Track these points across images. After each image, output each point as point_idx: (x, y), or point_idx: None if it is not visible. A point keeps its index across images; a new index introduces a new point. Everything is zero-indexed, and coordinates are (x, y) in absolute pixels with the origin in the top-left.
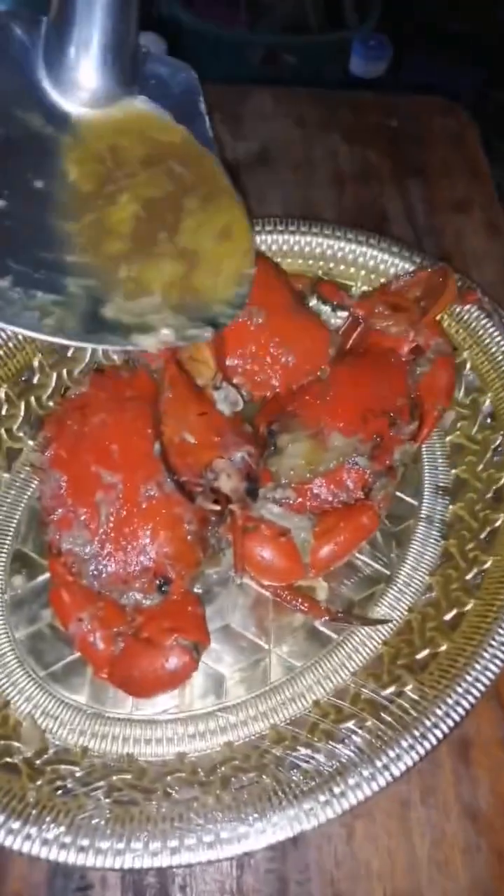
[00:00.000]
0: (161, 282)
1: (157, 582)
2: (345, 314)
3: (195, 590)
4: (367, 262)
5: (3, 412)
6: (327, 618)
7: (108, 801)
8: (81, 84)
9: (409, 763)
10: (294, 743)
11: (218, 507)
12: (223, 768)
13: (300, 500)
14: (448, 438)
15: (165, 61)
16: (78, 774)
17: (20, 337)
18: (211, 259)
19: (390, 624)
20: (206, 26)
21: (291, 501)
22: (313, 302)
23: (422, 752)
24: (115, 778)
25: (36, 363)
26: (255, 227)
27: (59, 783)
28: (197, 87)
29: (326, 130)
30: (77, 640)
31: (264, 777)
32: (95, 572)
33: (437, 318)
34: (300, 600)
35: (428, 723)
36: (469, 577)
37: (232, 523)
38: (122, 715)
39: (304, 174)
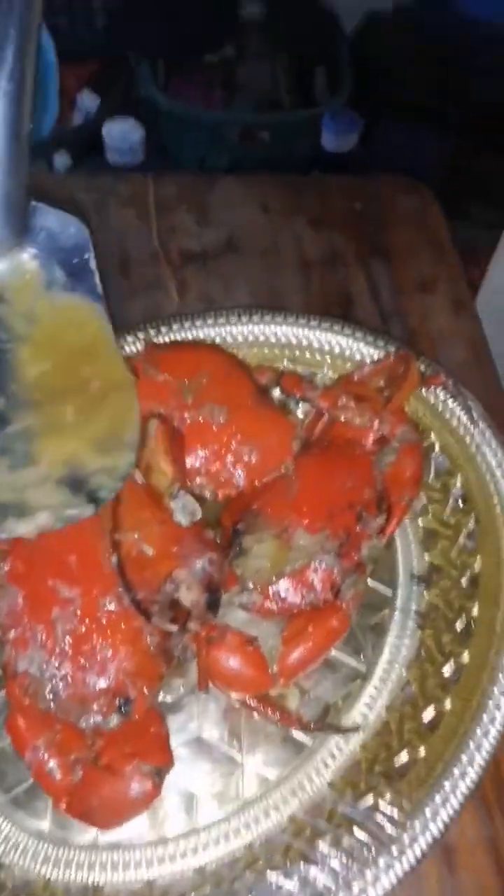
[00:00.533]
0: (51, 454)
1: (117, 702)
2: (308, 406)
3: (164, 698)
4: (333, 348)
5: None
6: (296, 726)
7: None
8: None
9: (387, 885)
10: (267, 866)
11: (175, 628)
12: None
13: (267, 603)
14: (420, 522)
15: (56, 214)
16: None
17: None
18: (98, 431)
19: (368, 726)
20: (183, 108)
21: (258, 605)
22: (277, 394)
23: (400, 872)
24: None
25: None
26: (220, 318)
27: None
28: (86, 242)
29: (292, 216)
30: (33, 770)
31: None
32: (52, 694)
33: (402, 405)
34: (270, 710)
35: (406, 839)
36: (446, 672)
37: (195, 636)
38: (87, 841)
39: (271, 261)
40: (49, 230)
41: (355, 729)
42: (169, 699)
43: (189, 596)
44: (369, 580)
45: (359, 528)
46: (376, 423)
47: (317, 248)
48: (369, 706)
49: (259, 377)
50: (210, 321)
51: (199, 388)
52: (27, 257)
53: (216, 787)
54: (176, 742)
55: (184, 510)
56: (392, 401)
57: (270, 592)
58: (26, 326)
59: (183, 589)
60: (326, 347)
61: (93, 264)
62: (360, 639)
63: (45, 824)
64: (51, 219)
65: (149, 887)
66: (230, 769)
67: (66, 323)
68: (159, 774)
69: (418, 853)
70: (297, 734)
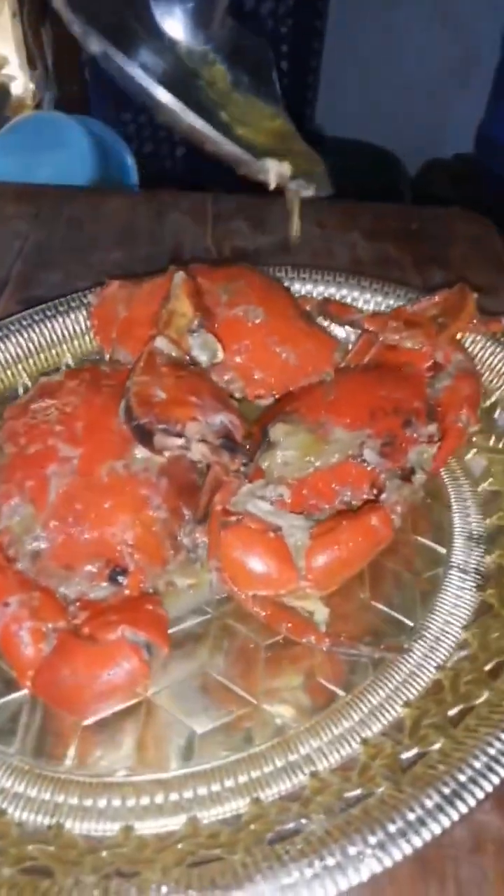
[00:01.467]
0: None
1: (109, 571)
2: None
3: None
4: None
5: None
6: (325, 643)
7: (10, 870)
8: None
9: (437, 829)
10: (280, 817)
11: (181, 442)
12: (180, 845)
13: (295, 498)
14: (480, 487)
15: (242, 31)
16: None
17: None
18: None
19: (416, 683)
20: None
21: (285, 499)
22: (322, 321)
23: (454, 814)
24: (30, 847)
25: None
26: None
27: None
28: (269, 54)
29: (347, 231)
30: None
31: (232, 856)
32: (34, 552)
33: (458, 334)
34: (289, 618)
35: (463, 777)
36: None
37: (207, 494)
38: (58, 773)
39: (323, 263)
40: (236, 41)
41: (400, 649)
42: (173, 615)
43: (202, 450)
44: (424, 539)
45: (407, 433)
46: (429, 348)
47: (371, 254)
48: (419, 665)
49: (303, 304)
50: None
51: (236, 290)
52: (215, 57)
53: (222, 730)
54: (178, 674)
55: (203, 347)
56: (447, 328)
57: (300, 487)
58: (224, 102)
59: (195, 443)
60: (371, 308)
61: (274, 76)
62: (407, 595)
63: (11, 748)
64: (238, 33)
65: (125, 834)
66: (241, 711)
67: (255, 112)
68: (149, 650)
69: (479, 792)
70: (328, 684)
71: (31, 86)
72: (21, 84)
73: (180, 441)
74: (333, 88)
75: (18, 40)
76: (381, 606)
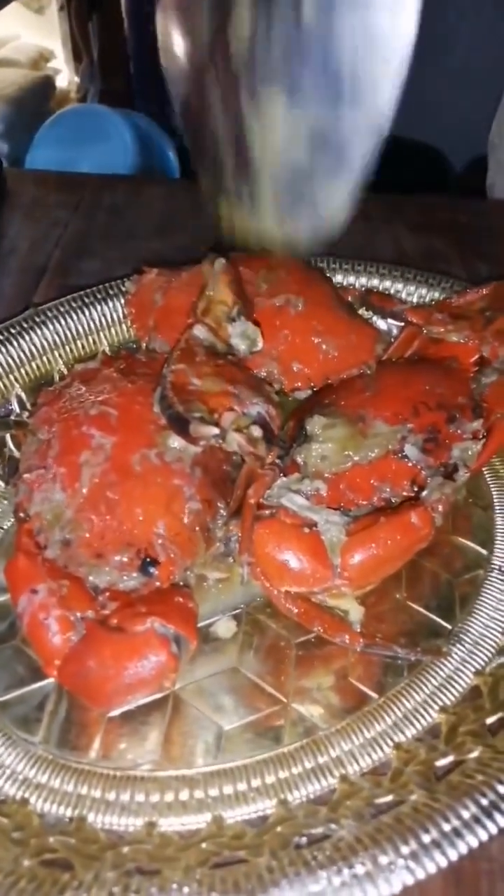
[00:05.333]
0: None
1: (140, 560)
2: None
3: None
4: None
5: None
6: (360, 643)
7: (30, 861)
8: None
9: (473, 842)
10: (308, 821)
11: (216, 432)
12: (204, 845)
13: (332, 493)
14: None
15: None
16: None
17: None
18: None
19: (453, 688)
20: None
21: (321, 494)
22: (364, 312)
23: (492, 827)
24: (51, 839)
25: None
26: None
27: None
28: None
29: (391, 222)
30: (26, 620)
31: (257, 858)
32: (64, 540)
33: None
34: (322, 617)
35: (503, 788)
36: None
37: (242, 487)
38: (82, 765)
39: (367, 254)
40: None
41: (439, 652)
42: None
43: (238, 440)
44: (464, 539)
45: (450, 429)
46: (476, 342)
47: (416, 247)
48: (457, 670)
49: (344, 295)
50: None
51: (276, 279)
52: None
53: (250, 728)
54: (207, 670)
55: (243, 336)
56: (495, 322)
57: (337, 482)
58: None
59: (232, 434)
60: (415, 300)
61: None
62: (446, 596)
63: (35, 738)
64: None
65: (148, 830)
66: (271, 710)
67: None
68: (178, 644)
69: None
70: (361, 686)
71: (76, 79)
72: (66, 77)
73: (216, 431)
74: None
75: (65, 34)
76: (417, 608)
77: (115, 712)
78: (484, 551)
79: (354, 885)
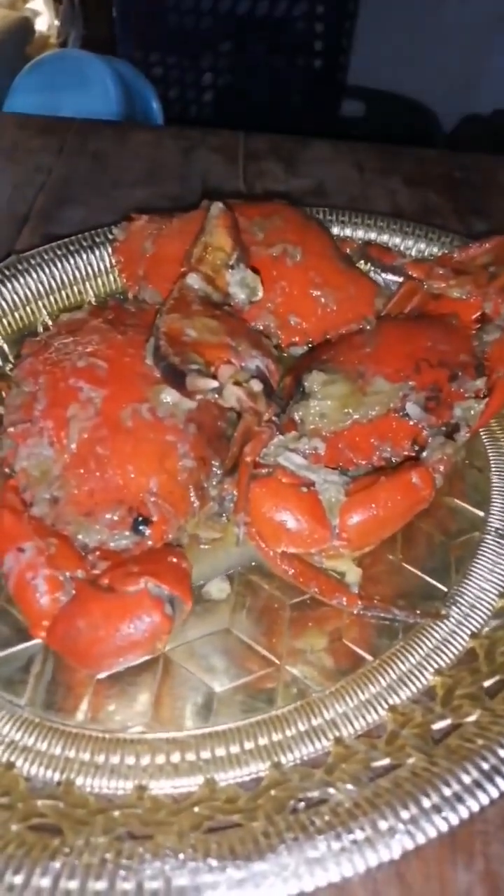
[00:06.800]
0: None
1: (132, 519)
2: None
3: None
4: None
5: None
6: (357, 605)
7: (18, 826)
8: None
9: (475, 807)
10: (303, 784)
11: (215, 384)
12: (197, 808)
13: (330, 452)
14: None
15: None
16: None
17: None
18: None
19: (449, 651)
20: None
21: (319, 452)
22: (362, 265)
23: (493, 791)
24: (38, 803)
25: None
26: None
27: None
28: None
29: (386, 175)
30: (13, 580)
31: (252, 822)
32: (52, 497)
33: None
34: (319, 578)
35: (503, 752)
36: None
37: (238, 445)
38: (70, 727)
39: (361, 206)
40: None
41: (437, 614)
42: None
43: (236, 394)
44: (460, 501)
45: (453, 387)
46: (477, 298)
47: (412, 202)
48: (452, 632)
49: (342, 246)
50: None
51: (272, 227)
52: None
53: (243, 690)
54: (198, 631)
55: (242, 283)
56: (499, 278)
57: (336, 440)
58: None
59: (229, 386)
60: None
61: None
62: (442, 557)
63: (21, 700)
64: None
65: (138, 794)
66: (264, 672)
67: None
68: (172, 604)
69: None
70: (356, 648)
71: (56, 22)
72: (45, 20)
73: (214, 383)
74: (369, 35)
75: None
76: (413, 570)
77: (104, 674)
78: (480, 513)
79: (354, 850)
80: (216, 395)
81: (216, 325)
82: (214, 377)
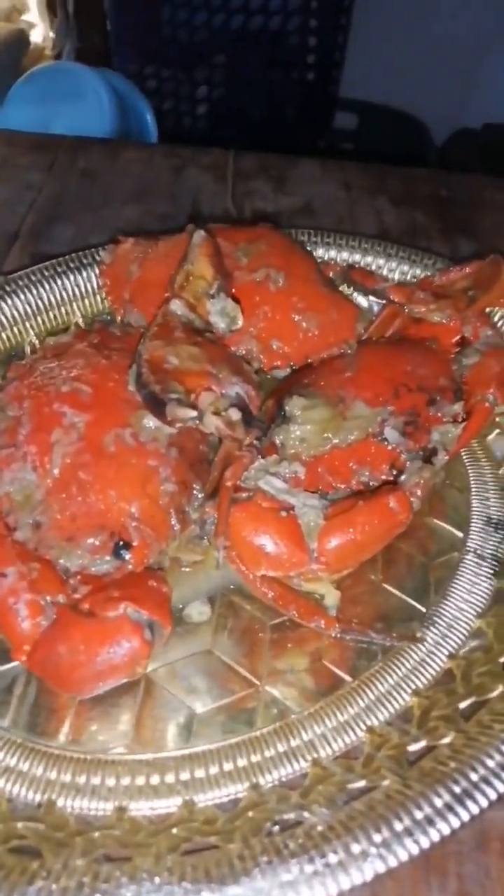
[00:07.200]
0: None
1: (113, 544)
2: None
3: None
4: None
5: None
6: (335, 628)
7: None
8: None
9: (445, 830)
10: (279, 806)
11: (194, 414)
12: (175, 830)
13: (310, 476)
14: (502, 470)
15: None
16: None
17: None
18: None
19: (426, 672)
20: None
21: (299, 476)
22: (344, 289)
23: (464, 814)
24: (19, 825)
25: None
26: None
27: None
28: None
29: (373, 194)
30: None
31: (229, 845)
32: (34, 522)
33: (488, 308)
34: (298, 602)
35: (475, 776)
36: None
37: (218, 469)
38: (51, 748)
39: (348, 226)
40: None
41: (413, 637)
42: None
43: (215, 423)
44: (440, 522)
45: (431, 412)
46: (457, 322)
47: (399, 221)
48: (430, 653)
49: (325, 270)
50: None
51: (257, 252)
52: None
53: (223, 711)
54: (179, 652)
55: (222, 313)
56: (477, 302)
57: (315, 465)
58: None
59: (209, 415)
60: (396, 277)
61: None
62: (420, 579)
63: (4, 721)
64: None
65: (118, 815)
66: (244, 693)
67: None
68: (152, 629)
69: (492, 793)
70: (335, 669)
71: (51, 34)
72: (41, 32)
73: (193, 413)
74: (361, 49)
75: None
76: (392, 590)
77: (86, 696)
78: (459, 534)
79: (327, 873)
80: (196, 423)
81: (198, 352)
82: (194, 406)
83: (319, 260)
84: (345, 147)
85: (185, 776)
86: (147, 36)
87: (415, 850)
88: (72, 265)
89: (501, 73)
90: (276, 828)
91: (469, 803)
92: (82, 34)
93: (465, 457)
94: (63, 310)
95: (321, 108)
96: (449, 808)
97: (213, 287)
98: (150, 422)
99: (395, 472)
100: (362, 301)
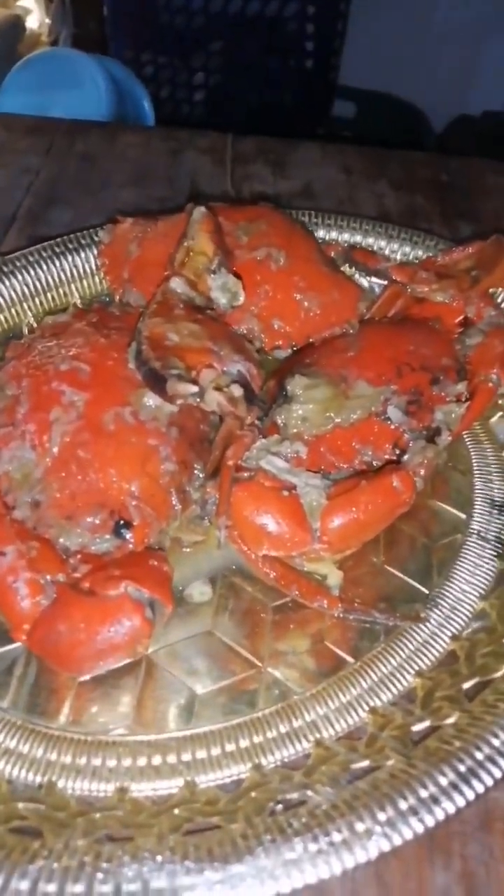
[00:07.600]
0: None
1: (114, 522)
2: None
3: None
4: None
5: None
6: (338, 608)
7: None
8: None
9: (450, 808)
10: (282, 786)
11: (195, 389)
12: (177, 811)
13: (312, 456)
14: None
15: None
16: None
17: None
18: None
19: (430, 653)
20: None
21: (301, 456)
22: (346, 269)
23: (469, 793)
24: (20, 805)
25: None
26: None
27: None
28: None
29: (374, 178)
30: None
31: (231, 825)
32: (33, 501)
33: (492, 288)
34: (300, 582)
35: (480, 755)
36: None
37: (220, 448)
38: (52, 729)
39: (348, 210)
40: None
41: (417, 618)
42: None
43: (216, 399)
44: (443, 503)
45: (434, 391)
46: (460, 302)
47: (398, 204)
48: (434, 634)
49: (327, 250)
50: None
51: (257, 231)
52: None
53: (224, 692)
54: (181, 633)
55: (223, 288)
56: (481, 282)
57: (318, 444)
58: None
59: (210, 391)
60: (398, 258)
61: None
62: (424, 560)
63: (3, 702)
64: None
65: (119, 796)
66: (246, 674)
67: None
68: (153, 608)
69: (498, 774)
70: (337, 650)
71: (48, 20)
72: (36, 18)
73: (194, 388)
74: (360, 36)
75: None
76: (395, 572)
77: (86, 676)
78: (462, 515)
79: (331, 852)
80: (197, 400)
81: (198, 330)
82: (195, 382)
83: (321, 241)
84: (344, 135)
85: (186, 757)
86: (143, 22)
87: (420, 829)
88: (70, 246)
89: (500, 61)
90: (280, 807)
91: (475, 782)
92: (79, 20)
93: (467, 439)
94: (61, 291)
95: (320, 96)
96: (454, 786)
97: (214, 263)
98: (150, 400)
99: (398, 452)
100: (364, 282)
